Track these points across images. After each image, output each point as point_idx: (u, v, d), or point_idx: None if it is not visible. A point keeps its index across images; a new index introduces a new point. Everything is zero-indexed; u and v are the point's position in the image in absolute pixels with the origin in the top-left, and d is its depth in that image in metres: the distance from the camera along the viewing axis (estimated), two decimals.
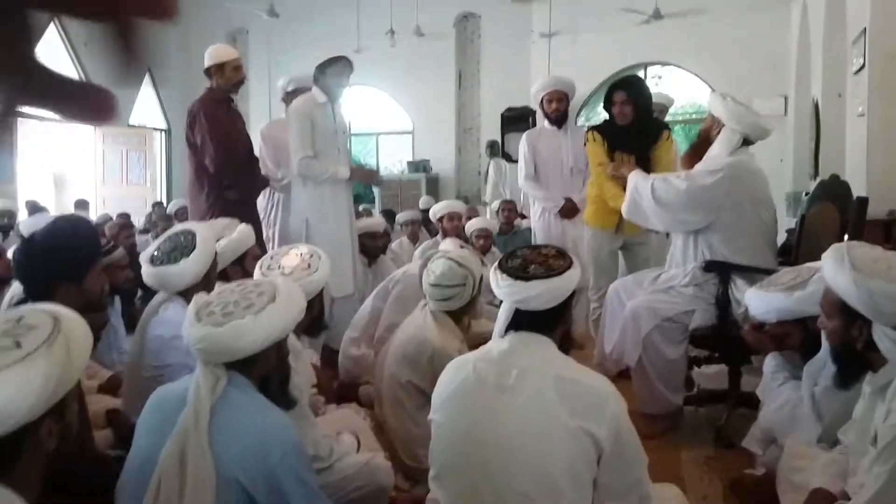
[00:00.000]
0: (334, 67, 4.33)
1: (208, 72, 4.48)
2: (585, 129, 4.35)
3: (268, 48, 11.47)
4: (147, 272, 2.52)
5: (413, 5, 10.69)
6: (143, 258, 2.54)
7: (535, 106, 5.20)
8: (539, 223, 4.95)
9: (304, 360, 2.45)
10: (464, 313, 2.83)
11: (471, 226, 5.43)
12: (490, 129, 11.16)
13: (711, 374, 3.53)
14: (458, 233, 5.26)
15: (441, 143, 11.36)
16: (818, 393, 2.24)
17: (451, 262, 2.76)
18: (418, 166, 11.22)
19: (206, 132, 4.33)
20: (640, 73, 10.66)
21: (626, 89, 4.09)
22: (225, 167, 4.37)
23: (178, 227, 2.69)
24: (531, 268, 1.89)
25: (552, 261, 1.91)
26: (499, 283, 1.91)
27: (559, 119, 4.83)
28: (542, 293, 1.83)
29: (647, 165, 3.94)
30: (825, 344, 2.25)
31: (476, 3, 11.14)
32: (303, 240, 4.11)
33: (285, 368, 1.91)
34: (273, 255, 2.62)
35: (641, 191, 3.25)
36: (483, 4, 11.07)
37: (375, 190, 10.86)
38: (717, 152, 3.16)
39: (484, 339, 2.68)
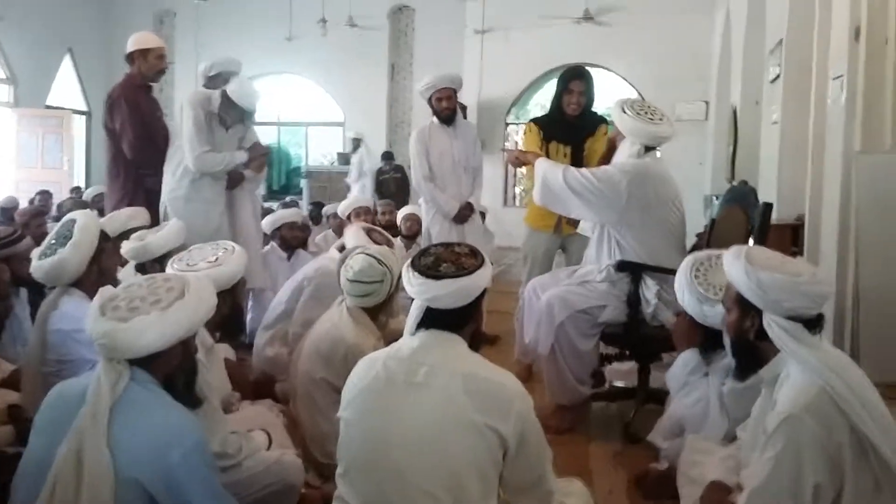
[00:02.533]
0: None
1: (130, 57, 4.40)
2: (527, 120, 4.34)
3: (195, 32, 11.18)
4: (34, 268, 2.47)
5: None
6: (35, 254, 2.48)
7: (423, 103, 5.06)
8: (434, 226, 4.82)
9: (217, 357, 2.41)
10: (381, 310, 2.83)
11: (401, 212, 5.52)
12: (421, 123, 11.16)
13: (624, 371, 3.63)
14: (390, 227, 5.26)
15: (372, 135, 11.30)
16: (726, 391, 2.34)
17: (371, 259, 2.75)
18: (348, 158, 11.13)
19: (127, 118, 4.27)
20: None
21: (586, 79, 4.10)
22: (143, 154, 4.32)
23: (65, 218, 2.62)
24: (443, 266, 1.90)
25: (464, 259, 1.93)
26: (410, 280, 1.91)
27: (449, 117, 4.76)
28: (452, 292, 1.85)
29: (581, 157, 4.04)
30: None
31: None
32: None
33: (192, 366, 1.87)
34: (191, 249, 2.56)
35: (551, 177, 3.27)
36: None
37: (303, 182, 10.74)
38: (622, 160, 3.24)
39: (400, 336, 2.69)
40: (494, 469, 1.76)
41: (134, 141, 4.27)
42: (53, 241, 2.46)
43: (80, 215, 2.55)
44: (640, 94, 10.38)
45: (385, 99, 11.54)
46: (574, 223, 3.82)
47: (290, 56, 11.20)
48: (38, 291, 3.52)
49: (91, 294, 2.39)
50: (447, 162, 4.76)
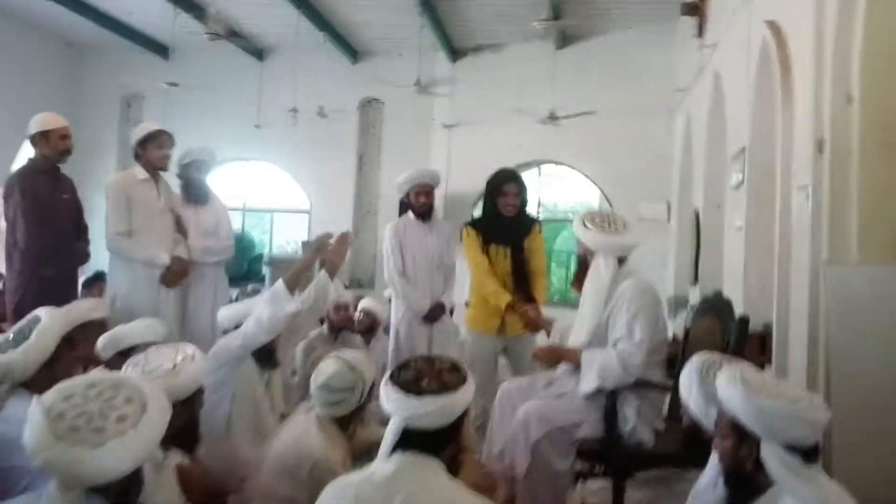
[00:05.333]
0: (154, 142, 4.21)
1: (32, 140, 4.25)
2: (462, 224, 4.41)
3: (163, 116, 11.11)
4: None
5: (317, 86, 10.73)
6: None
7: (401, 197, 5.17)
8: (403, 324, 4.70)
9: (167, 474, 2.22)
10: (351, 421, 2.68)
11: (360, 305, 5.45)
12: (388, 213, 11.16)
13: (594, 490, 3.47)
14: (347, 324, 5.13)
15: (338, 224, 11.20)
16: None
17: (343, 365, 2.63)
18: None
19: (19, 207, 4.10)
20: (535, 171, 11.02)
21: (518, 181, 4.23)
22: (38, 243, 4.12)
23: (35, 312, 2.47)
24: (423, 382, 1.81)
25: (446, 375, 1.85)
26: (389, 396, 1.81)
27: (426, 212, 4.75)
28: (433, 410, 1.76)
29: (520, 256, 4.13)
30: (709, 468, 2.24)
31: (380, 90, 11.30)
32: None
33: (141, 484, 1.71)
34: (148, 352, 2.40)
35: (608, 369, 3.04)
36: (387, 91, 11.24)
37: (266, 269, 10.57)
38: (601, 278, 3.13)
39: (370, 445, 2.55)
40: None
41: (27, 231, 4.09)
42: (11, 337, 2.32)
43: (45, 315, 2.39)
44: (602, 191, 10.58)
45: (352, 188, 11.55)
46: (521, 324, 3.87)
47: (258, 143, 11.19)
48: None
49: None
50: (421, 259, 4.71)
